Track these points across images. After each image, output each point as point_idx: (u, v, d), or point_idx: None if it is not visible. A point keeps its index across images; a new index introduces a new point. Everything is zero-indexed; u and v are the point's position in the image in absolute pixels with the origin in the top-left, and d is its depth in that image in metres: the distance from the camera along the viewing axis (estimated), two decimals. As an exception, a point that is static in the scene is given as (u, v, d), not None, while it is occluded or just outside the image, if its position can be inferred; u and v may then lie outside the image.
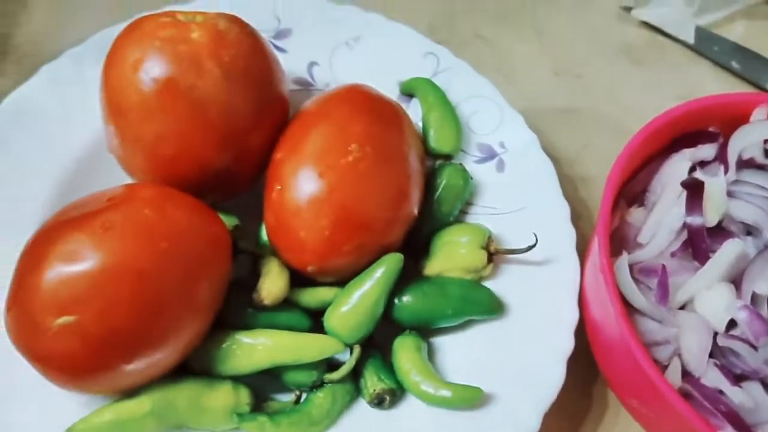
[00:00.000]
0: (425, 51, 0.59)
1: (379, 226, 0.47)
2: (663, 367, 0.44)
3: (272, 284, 0.47)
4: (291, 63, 0.58)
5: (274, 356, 0.45)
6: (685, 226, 0.46)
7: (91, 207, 0.43)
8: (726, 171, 0.48)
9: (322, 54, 0.59)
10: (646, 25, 0.72)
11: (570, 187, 0.62)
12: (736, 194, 0.48)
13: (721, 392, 0.42)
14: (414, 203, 0.49)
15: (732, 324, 0.44)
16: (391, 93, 0.56)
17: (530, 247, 0.49)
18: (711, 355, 0.44)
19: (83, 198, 0.45)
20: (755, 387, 0.43)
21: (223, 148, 0.47)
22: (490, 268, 0.51)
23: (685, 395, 0.43)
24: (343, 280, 0.48)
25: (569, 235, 0.51)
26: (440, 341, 0.50)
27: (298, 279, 0.48)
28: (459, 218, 0.54)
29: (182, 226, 0.43)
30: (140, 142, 0.46)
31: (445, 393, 0.45)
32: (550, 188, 0.53)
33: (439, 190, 0.52)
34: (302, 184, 0.46)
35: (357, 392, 0.48)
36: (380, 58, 0.59)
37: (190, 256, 0.43)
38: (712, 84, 0.68)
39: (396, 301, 0.48)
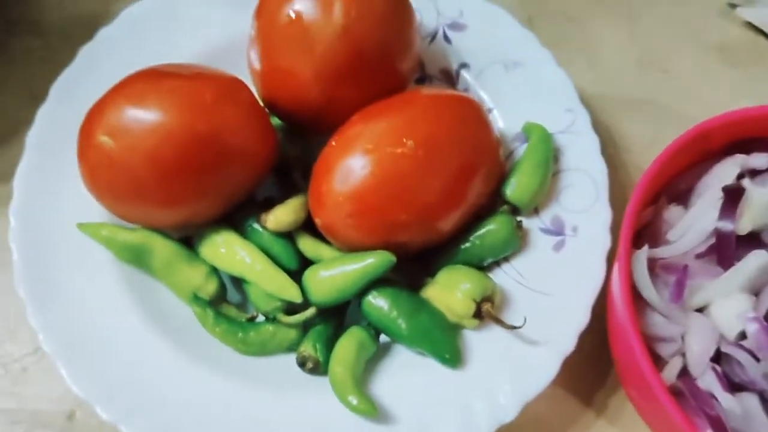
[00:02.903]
0: (569, 107, 0.57)
1: (394, 223, 0.49)
2: (664, 363, 0.45)
3: (283, 214, 0.51)
4: (447, 55, 0.60)
5: (243, 269, 0.51)
6: (715, 230, 0.46)
7: (181, 70, 0.50)
8: (775, 182, 0.48)
9: (479, 62, 0.59)
10: (750, 26, 0.69)
11: (628, 176, 0.62)
12: (781, 207, 0.47)
13: (713, 397, 0.43)
14: (443, 223, 0.50)
15: (744, 336, 0.44)
16: (515, 128, 0.57)
17: (515, 327, 0.48)
18: (717, 361, 0.44)
19: (192, 64, 0.53)
20: (751, 398, 0.43)
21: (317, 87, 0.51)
22: (474, 323, 0.50)
23: (676, 393, 0.43)
24: (347, 250, 0.51)
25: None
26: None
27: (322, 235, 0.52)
28: (488, 267, 0.53)
29: (227, 121, 0.49)
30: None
31: (352, 399, 0.47)
32: (584, 295, 0.50)
33: (481, 231, 0.52)
34: (348, 149, 0.49)
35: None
36: (525, 93, 0.58)
37: (223, 148, 0.49)
38: (808, 96, 0.65)
39: (370, 295, 0.50)
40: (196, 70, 0.51)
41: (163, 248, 0.51)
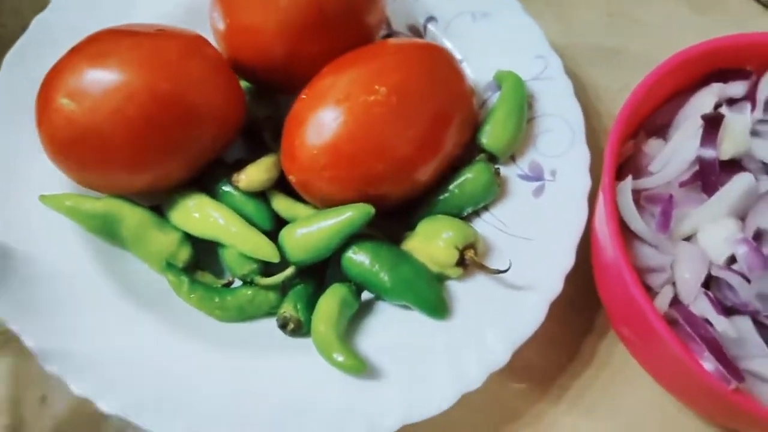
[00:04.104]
0: (539, 53, 0.56)
1: (370, 173, 0.47)
2: (655, 294, 0.44)
3: (255, 172, 0.49)
4: (413, 9, 0.59)
5: (218, 232, 0.49)
6: (698, 158, 0.45)
7: (142, 29, 0.48)
8: (753, 109, 0.47)
9: (446, 14, 0.58)
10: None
11: (601, 124, 0.61)
12: (761, 134, 0.46)
13: (707, 322, 0.42)
14: (420, 173, 0.49)
15: (733, 261, 0.43)
16: (486, 77, 0.56)
17: (500, 271, 0.47)
18: (706, 287, 0.43)
19: (153, 24, 0.50)
20: (744, 321, 0.42)
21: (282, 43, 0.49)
22: (458, 272, 0.49)
23: (670, 321, 0.42)
24: (324, 207, 0.49)
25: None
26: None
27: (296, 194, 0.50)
28: (468, 217, 0.52)
29: (192, 78, 0.47)
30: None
31: (337, 356, 0.45)
32: (568, 237, 0.49)
33: (460, 180, 0.51)
34: (319, 101, 0.48)
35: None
36: (494, 42, 0.57)
37: (189, 105, 0.47)
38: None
39: (350, 251, 0.49)
40: (157, 28, 0.49)
41: (131, 215, 0.49)
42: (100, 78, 0.45)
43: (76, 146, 0.46)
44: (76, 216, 0.49)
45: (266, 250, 0.48)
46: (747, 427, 0.44)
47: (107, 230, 0.50)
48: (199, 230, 0.50)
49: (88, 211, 0.49)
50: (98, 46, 0.47)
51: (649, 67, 0.64)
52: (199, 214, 0.50)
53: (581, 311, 0.54)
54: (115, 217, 0.49)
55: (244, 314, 0.49)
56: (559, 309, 0.48)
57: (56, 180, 0.50)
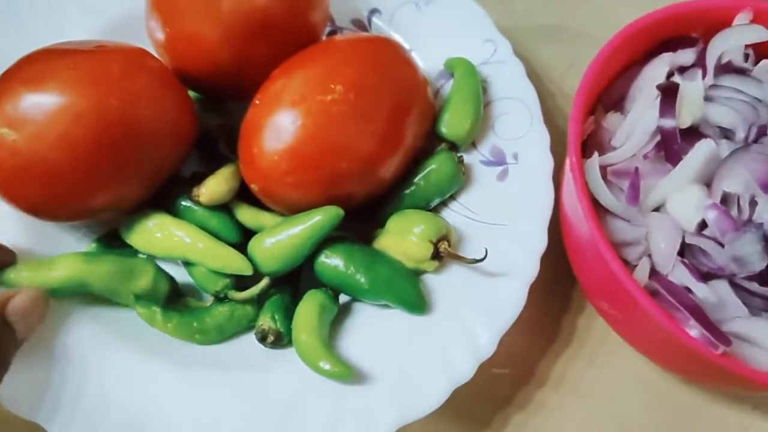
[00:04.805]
0: (487, 37, 0.56)
1: (335, 175, 0.46)
2: (632, 267, 0.44)
3: (216, 184, 0.48)
4: (355, 3, 0.57)
5: (184, 251, 0.47)
6: (658, 128, 0.46)
7: (79, 46, 0.45)
8: (704, 75, 0.48)
9: (389, 5, 0.58)
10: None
11: (555, 103, 0.61)
12: (713, 98, 0.47)
13: (687, 289, 0.43)
14: (384, 169, 0.48)
15: (703, 227, 0.44)
16: (437, 66, 0.56)
17: (477, 260, 0.47)
18: (681, 255, 0.44)
19: (89, 40, 0.47)
20: (722, 285, 0.43)
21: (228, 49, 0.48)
22: (434, 266, 0.48)
23: (652, 293, 0.43)
24: (289, 213, 0.48)
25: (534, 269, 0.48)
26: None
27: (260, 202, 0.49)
28: (436, 208, 0.52)
29: (139, 93, 0.45)
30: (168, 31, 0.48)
31: (324, 364, 0.44)
32: (538, 218, 0.49)
33: (424, 172, 0.50)
34: (274, 105, 0.46)
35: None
36: (441, 30, 0.56)
37: (140, 122, 0.44)
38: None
39: (322, 256, 0.48)
40: (96, 44, 0.46)
41: (97, 277, 0.46)
42: (41, 102, 0.43)
43: (21, 178, 0.43)
44: (42, 285, 0.45)
45: (238, 264, 0.47)
46: (732, 386, 0.45)
47: (76, 292, 0.46)
48: (163, 251, 0.48)
49: (48, 284, 0.45)
50: (34, 68, 0.44)
51: (593, 43, 0.64)
52: (161, 234, 0.48)
53: (555, 289, 0.54)
54: (79, 282, 0.46)
55: (225, 333, 0.48)
56: (534, 289, 0.48)
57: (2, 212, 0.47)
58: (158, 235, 0.47)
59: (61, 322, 0.46)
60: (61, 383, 0.44)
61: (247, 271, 0.47)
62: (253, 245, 0.48)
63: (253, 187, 0.47)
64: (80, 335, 0.46)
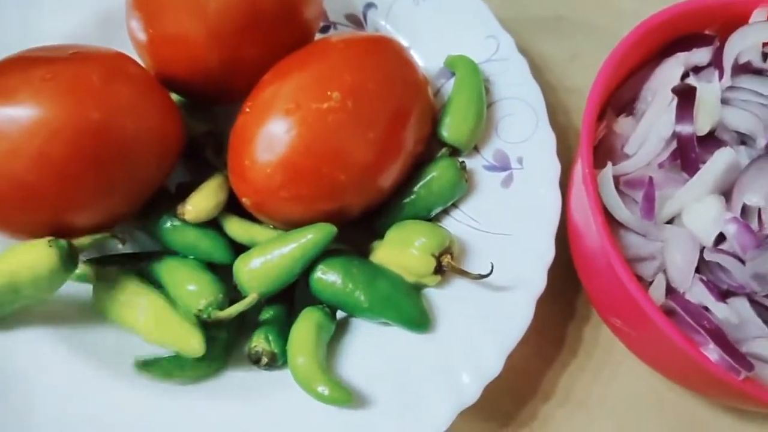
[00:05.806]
0: (489, 33, 0.53)
1: (333, 186, 0.44)
2: (647, 284, 0.42)
3: (202, 200, 0.45)
4: None
5: (140, 325, 0.44)
6: (674, 135, 0.43)
7: (54, 53, 0.42)
8: (721, 76, 0.45)
9: None
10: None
11: (557, 97, 0.59)
12: (730, 101, 0.45)
13: (705, 308, 0.41)
14: (384, 178, 0.46)
15: (721, 239, 0.42)
16: (436, 64, 0.53)
17: (482, 276, 0.44)
18: (698, 271, 0.42)
19: (61, 44, 0.44)
20: (741, 303, 0.41)
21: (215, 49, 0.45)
22: (436, 280, 0.46)
23: (668, 312, 0.41)
24: (284, 227, 0.45)
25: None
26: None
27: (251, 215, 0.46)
28: (437, 217, 0.49)
29: (122, 103, 0.42)
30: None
31: (322, 389, 0.42)
32: (545, 228, 0.47)
33: (425, 180, 0.48)
34: (266, 113, 0.43)
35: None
36: (440, 25, 0.53)
37: (123, 134, 0.42)
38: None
39: (318, 272, 0.45)
40: (72, 50, 0.43)
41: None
42: (14, 117, 0.40)
43: (-3, 199, 0.40)
44: None
45: (187, 345, 0.43)
46: (747, 406, 0.43)
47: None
48: (126, 321, 0.44)
49: None
50: (5, 78, 0.41)
51: (594, 33, 0.62)
52: (125, 299, 0.44)
53: (560, 298, 0.52)
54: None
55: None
56: (539, 299, 0.46)
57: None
58: (121, 299, 0.44)
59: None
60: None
61: (199, 352, 0.43)
62: (239, 265, 0.44)
63: (245, 201, 0.45)
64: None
